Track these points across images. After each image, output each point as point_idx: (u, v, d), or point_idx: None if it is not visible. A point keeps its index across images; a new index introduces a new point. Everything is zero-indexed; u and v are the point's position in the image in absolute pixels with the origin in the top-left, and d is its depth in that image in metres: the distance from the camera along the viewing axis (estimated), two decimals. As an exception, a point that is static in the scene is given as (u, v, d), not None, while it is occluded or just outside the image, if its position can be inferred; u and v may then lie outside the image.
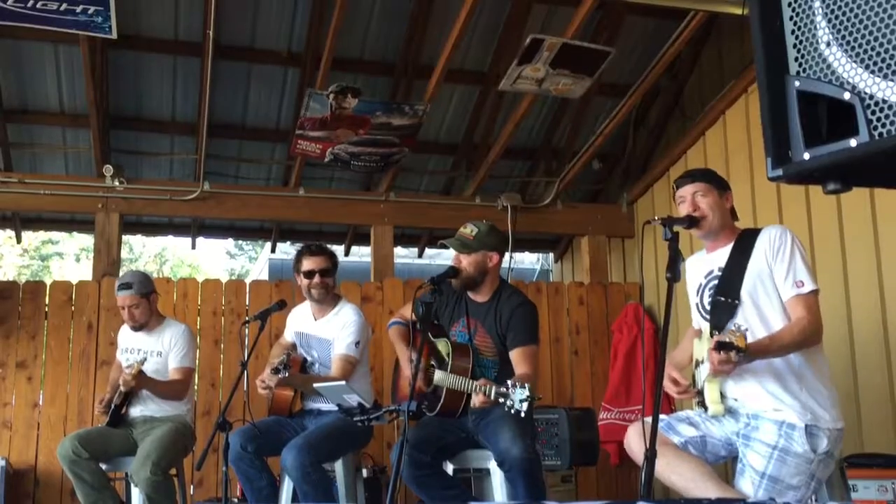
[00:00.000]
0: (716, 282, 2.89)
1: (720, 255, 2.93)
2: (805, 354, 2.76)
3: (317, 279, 3.95)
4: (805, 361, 2.76)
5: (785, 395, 2.73)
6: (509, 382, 3.02)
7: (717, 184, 2.95)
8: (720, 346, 2.52)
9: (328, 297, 4.02)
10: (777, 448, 2.68)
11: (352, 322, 3.92)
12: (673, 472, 2.71)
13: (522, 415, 2.96)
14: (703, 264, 3.00)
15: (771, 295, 2.79)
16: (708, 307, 2.91)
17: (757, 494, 2.64)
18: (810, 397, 2.72)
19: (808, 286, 2.74)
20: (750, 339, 2.62)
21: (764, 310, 2.80)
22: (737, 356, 2.52)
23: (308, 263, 3.97)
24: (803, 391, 2.73)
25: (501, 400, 3.00)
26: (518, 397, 2.95)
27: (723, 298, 2.83)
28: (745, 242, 2.87)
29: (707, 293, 2.93)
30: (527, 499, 3.21)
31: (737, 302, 2.80)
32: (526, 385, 2.99)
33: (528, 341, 3.45)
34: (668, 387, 2.86)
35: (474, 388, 3.17)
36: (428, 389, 3.52)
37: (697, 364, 2.91)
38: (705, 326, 2.91)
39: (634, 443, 2.82)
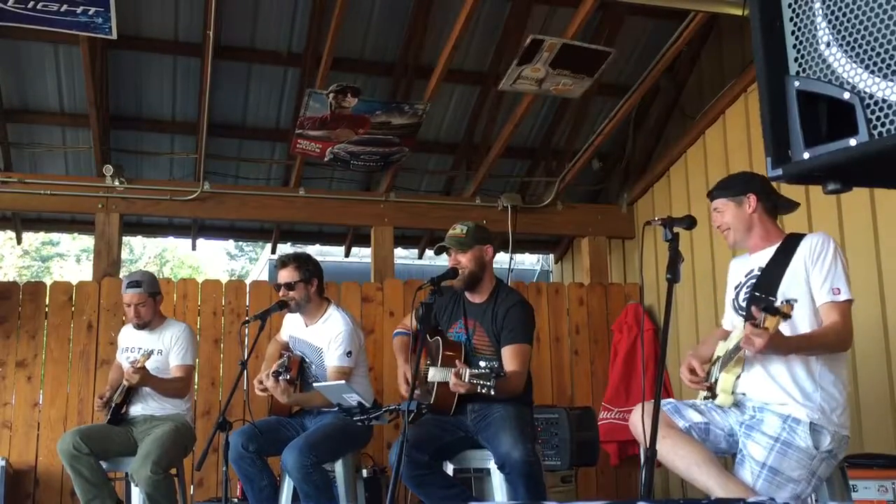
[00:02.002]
0: (754, 280, 2.94)
1: (762, 256, 2.97)
2: (826, 361, 2.78)
3: (282, 292, 3.94)
4: (824, 368, 2.78)
5: (797, 393, 2.75)
6: (482, 363, 3.09)
7: (732, 192, 3.00)
8: (766, 308, 2.50)
9: (311, 305, 3.98)
10: (779, 440, 2.69)
11: (339, 333, 3.89)
12: (676, 454, 2.73)
13: (493, 392, 3.05)
14: (746, 264, 3.05)
15: (803, 300, 2.79)
16: (744, 303, 2.95)
17: (756, 484, 2.66)
18: (822, 400, 2.74)
19: (845, 294, 2.76)
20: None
21: (795, 313, 2.78)
22: (781, 320, 2.49)
23: (278, 277, 3.96)
24: (816, 394, 2.75)
25: (474, 382, 3.06)
26: (486, 374, 3.05)
27: (759, 293, 2.87)
28: (788, 246, 2.90)
29: (744, 291, 2.98)
30: (527, 501, 3.22)
31: (772, 298, 2.81)
32: (494, 362, 3.11)
33: (519, 340, 3.49)
34: (684, 373, 2.91)
35: (451, 374, 3.22)
36: (425, 388, 3.54)
37: (716, 361, 2.95)
38: (739, 322, 2.93)
39: (640, 423, 2.82)
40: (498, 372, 3.08)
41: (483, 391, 3.06)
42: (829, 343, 2.73)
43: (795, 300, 2.61)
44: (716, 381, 2.87)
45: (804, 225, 4.55)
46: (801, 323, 2.79)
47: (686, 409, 2.91)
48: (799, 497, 2.69)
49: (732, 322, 3.07)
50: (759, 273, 2.93)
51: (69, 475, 4.00)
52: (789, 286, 2.82)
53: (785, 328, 2.77)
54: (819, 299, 2.78)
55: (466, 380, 3.11)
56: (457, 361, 3.36)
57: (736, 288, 3.05)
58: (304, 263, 3.97)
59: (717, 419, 2.88)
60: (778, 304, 2.53)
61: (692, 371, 2.92)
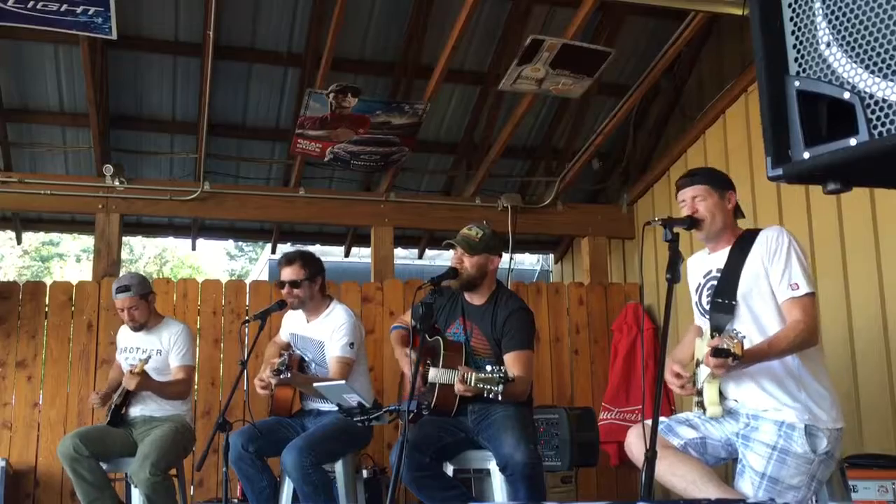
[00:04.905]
0: (714, 283, 2.90)
1: (720, 256, 2.93)
2: (802, 356, 2.76)
3: (286, 290, 3.93)
4: (802, 363, 2.76)
5: (784, 396, 2.73)
6: (488, 367, 3.07)
7: (718, 184, 2.94)
8: (716, 353, 2.52)
9: (312, 303, 3.99)
10: (777, 449, 2.68)
11: (342, 324, 3.91)
12: (674, 474, 2.71)
13: (500, 398, 3.03)
14: (704, 264, 3.01)
15: (766, 296, 2.79)
16: (707, 307, 2.92)
17: (757, 495, 2.64)
18: (809, 398, 2.73)
19: (804, 289, 2.73)
20: (747, 345, 2.62)
21: (758, 311, 2.80)
22: (732, 362, 2.52)
23: (281, 274, 3.96)
24: (802, 392, 2.74)
25: (480, 386, 3.05)
26: (493, 378, 3.03)
27: (720, 300, 2.84)
28: (743, 244, 2.87)
29: (706, 293, 2.95)
30: (527, 502, 3.22)
31: (733, 303, 2.80)
32: (500, 366, 3.10)
33: (521, 346, 3.48)
34: (670, 380, 2.87)
35: (456, 377, 3.21)
36: (425, 388, 3.54)
37: (698, 363, 2.91)
38: (705, 326, 2.92)
39: (635, 446, 2.82)
40: (505, 376, 3.05)
41: (490, 396, 3.05)
42: (792, 344, 2.69)
43: (744, 336, 2.64)
44: (701, 389, 2.83)
45: (804, 225, 4.55)
46: (768, 322, 2.78)
47: (680, 427, 2.88)
48: (801, 502, 2.68)
49: (700, 321, 3.04)
50: (717, 275, 2.90)
51: (70, 478, 3.99)
52: (748, 287, 2.80)
53: (752, 327, 2.78)
54: (780, 297, 2.76)
55: (472, 384, 3.11)
56: (459, 367, 3.37)
57: (697, 290, 3.01)
58: (310, 262, 3.98)
59: (713, 432, 2.86)
60: (726, 344, 2.52)
61: (677, 375, 2.86)
